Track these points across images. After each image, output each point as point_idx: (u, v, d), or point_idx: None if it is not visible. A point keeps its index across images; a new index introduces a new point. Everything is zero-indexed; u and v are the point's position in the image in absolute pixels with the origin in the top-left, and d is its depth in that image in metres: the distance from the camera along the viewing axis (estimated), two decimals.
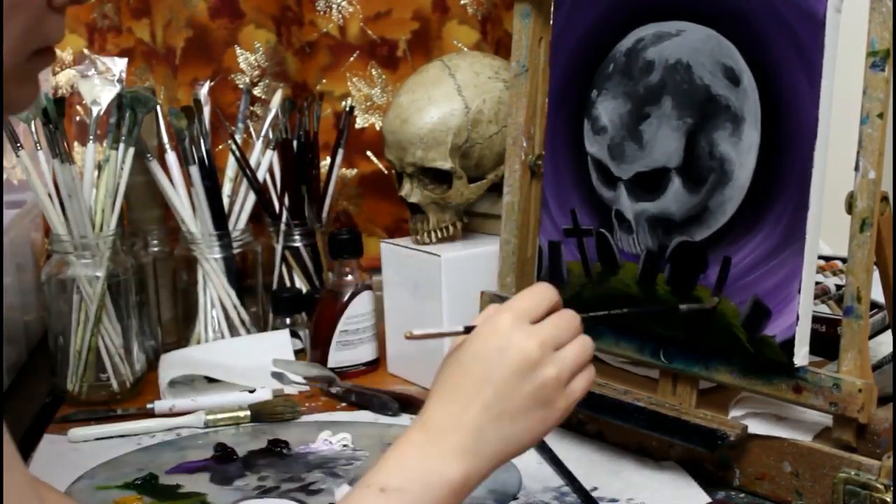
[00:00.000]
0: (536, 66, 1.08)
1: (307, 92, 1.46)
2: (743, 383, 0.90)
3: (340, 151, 1.41)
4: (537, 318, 0.74)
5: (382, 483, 0.68)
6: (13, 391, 1.24)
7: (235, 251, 1.34)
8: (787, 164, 0.85)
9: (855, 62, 0.86)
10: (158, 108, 1.31)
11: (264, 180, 1.38)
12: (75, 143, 1.38)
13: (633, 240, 0.96)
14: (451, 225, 1.21)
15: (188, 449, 1.07)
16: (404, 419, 1.13)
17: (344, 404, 1.18)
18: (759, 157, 0.87)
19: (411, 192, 1.20)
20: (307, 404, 1.18)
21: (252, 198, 1.36)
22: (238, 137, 1.36)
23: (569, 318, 0.75)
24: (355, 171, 1.49)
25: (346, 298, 1.26)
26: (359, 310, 1.27)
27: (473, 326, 0.74)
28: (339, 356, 1.27)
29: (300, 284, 1.38)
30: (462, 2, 1.45)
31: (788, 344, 0.86)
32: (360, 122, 1.48)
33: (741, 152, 0.88)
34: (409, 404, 1.14)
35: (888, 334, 0.99)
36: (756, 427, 0.90)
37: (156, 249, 1.39)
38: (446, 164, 1.18)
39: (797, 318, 0.85)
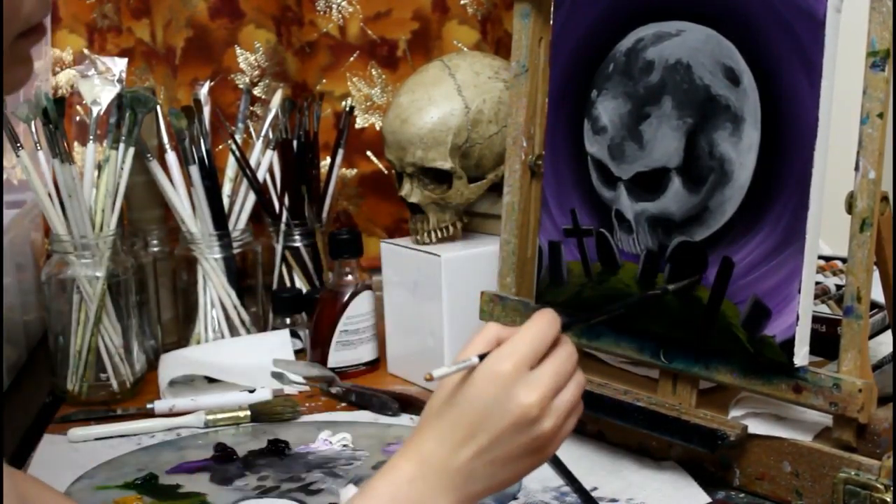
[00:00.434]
0: (536, 66, 1.08)
1: (307, 92, 1.46)
2: (743, 383, 0.90)
3: (340, 151, 1.41)
4: (538, 359, 0.72)
5: None
6: (13, 391, 1.24)
7: (235, 251, 1.34)
8: (787, 164, 0.85)
9: (855, 62, 0.86)
10: (158, 108, 1.31)
11: (264, 180, 1.38)
12: (75, 143, 1.38)
13: (633, 240, 0.96)
14: (451, 225, 1.21)
15: (188, 449, 1.07)
16: (404, 419, 1.13)
17: (344, 404, 1.18)
18: (759, 157, 0.87)
19: (411, 192, 1.20)
20: (307, 404, 1.18)
21: (252, 198, 1.36)
22: (238, 137, 1.36)
23: (567, 357, 0.73)
24: (355, 171, 1.49)
25: (346, 298, 1.26)
26: (359, 310, 1.27)
27: (486, 354, 0.72)
28: (339, 356, 1.27)
29: (300, 284, 1.38)
30: (462, 2, 1.45)
31: (788, 344, 0.86)
32: (360, 122, 1.48)
33: (741, 152, 0.88)
34: (409, 404, 1.14)
35: (888, 334, 0.99)
36: (756, 427, 0.90)
37: (156, 249, 1.39)
38: (446, 164, 1.17)
39: (797, 318, 0.85)
